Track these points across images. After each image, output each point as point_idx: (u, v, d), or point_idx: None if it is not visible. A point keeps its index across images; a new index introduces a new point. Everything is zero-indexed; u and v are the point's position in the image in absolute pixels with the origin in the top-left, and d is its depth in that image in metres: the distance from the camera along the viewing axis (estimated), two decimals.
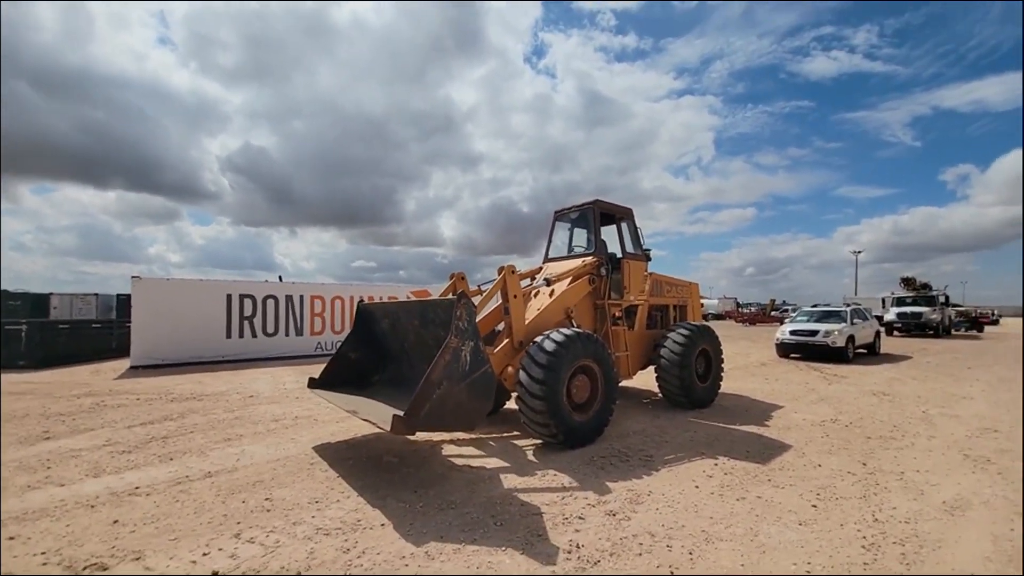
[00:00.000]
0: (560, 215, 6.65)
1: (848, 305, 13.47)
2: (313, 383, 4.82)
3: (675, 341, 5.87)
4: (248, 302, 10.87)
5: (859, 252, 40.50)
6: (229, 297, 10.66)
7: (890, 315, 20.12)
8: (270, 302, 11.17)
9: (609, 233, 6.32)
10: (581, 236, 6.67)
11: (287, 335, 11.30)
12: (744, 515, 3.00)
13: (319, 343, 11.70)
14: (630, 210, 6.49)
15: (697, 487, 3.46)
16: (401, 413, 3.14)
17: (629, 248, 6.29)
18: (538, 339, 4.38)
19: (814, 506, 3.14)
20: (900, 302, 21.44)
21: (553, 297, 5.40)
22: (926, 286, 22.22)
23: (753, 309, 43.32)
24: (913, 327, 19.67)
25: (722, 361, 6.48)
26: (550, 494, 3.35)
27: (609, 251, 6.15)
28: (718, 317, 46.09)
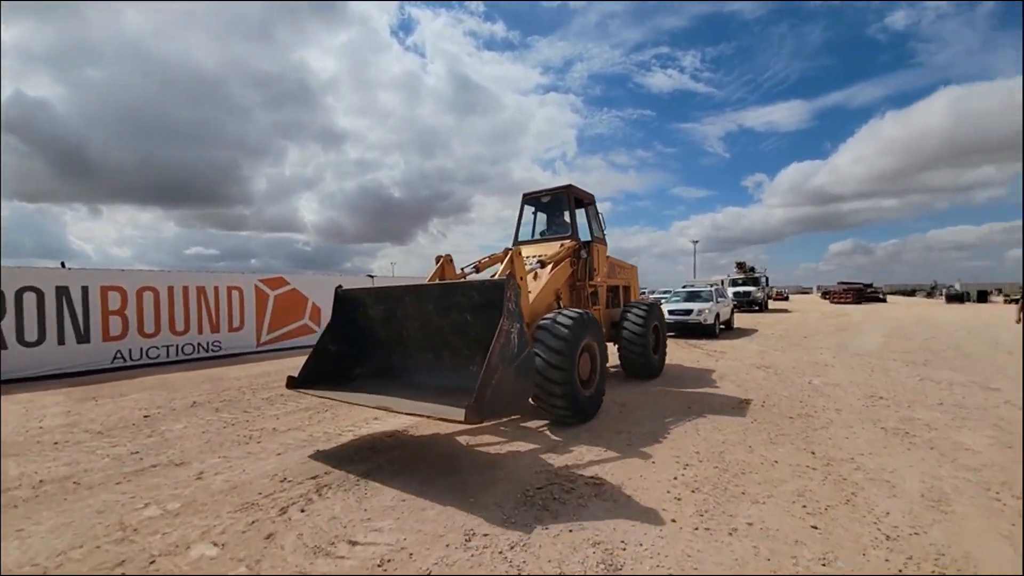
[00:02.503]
0: (530, 198, 6.73)
1: (712, 286, 14.87)
2: (293, 382, 4.14)
3: (635, 318, 6.36)
4: None
5: (696, 242, 46.78)
6: None
7: (728, 294, 23.40)
8: (29, 297, 7.65)
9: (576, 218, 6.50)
10: (546, 220, 6.88)
11: (61, 343, 7.90)
12: (753, 559, 2.24)
13: (119, 352, 8.50)
14: (593, 196, 6.78)
15: (675, 520, 2.63)
16: (453, 408, 3.05)
17: (596, 232, 6.62)
18: (546, 321, 4.42)
19: (814, 527, 2.54)
20: (734, 283, 25.13)
21: (538, 280, 5.47)
22: (752, 269, 26.46)
23: None
24: (745, 304, 23.18)
25: (666, 335, 7.27)
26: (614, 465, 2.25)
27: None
28: None
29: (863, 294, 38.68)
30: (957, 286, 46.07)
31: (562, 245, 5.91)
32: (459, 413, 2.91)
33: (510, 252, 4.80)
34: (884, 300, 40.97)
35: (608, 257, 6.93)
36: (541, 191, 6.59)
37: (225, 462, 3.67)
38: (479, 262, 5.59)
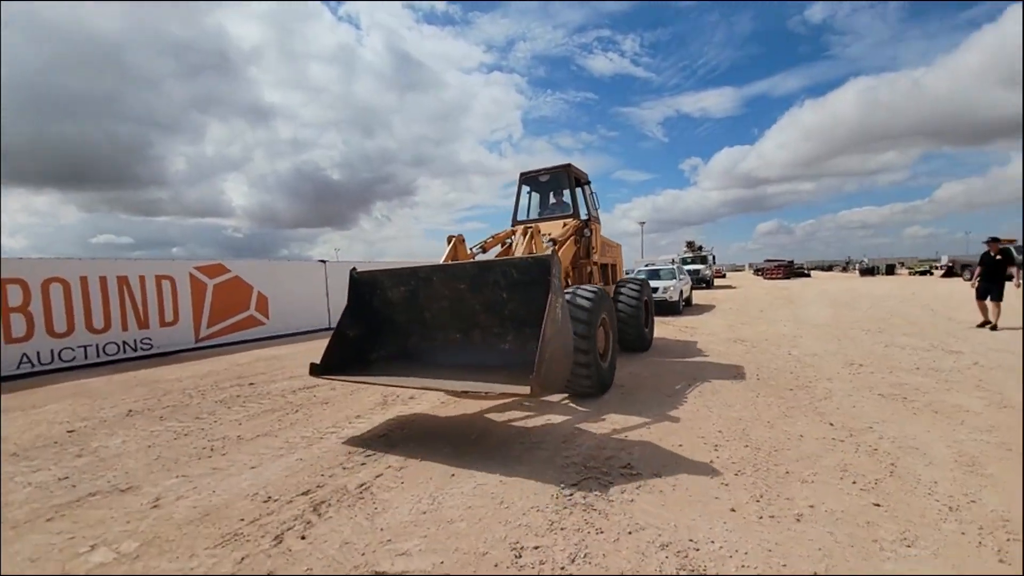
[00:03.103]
0: (528, 178, 6.85)
1: (673, 263, 15.22)
2: (316, 369, 3.99)
3: (630, 294, 6.54)
4: None
5: (643, 223, 48.29)
6: None
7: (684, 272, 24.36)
8: None
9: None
10: (540, 199, 7.08)
11: None
12: (837, 548, 2.06)
13: (25, 355, 7.14)
14: (587, 175, 7.01)
15: (734, 510, 2.42)
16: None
17: (592, 211, 6.81)
18: (568, 297, 4.39)
19: (876, 504, 2.42)
20: (684, 262, 26.17)
21: None
22: (700, 248, 27.66)
23: None
24: (695, 281, 24.19)
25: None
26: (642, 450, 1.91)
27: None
28: None
29: (791, 270, 41.95)
30: (867, 261, 51.25)
31: (565, 224, 6.02)
32: (523, 388, 2.91)
33: (530, 229, 5.01)
34: (809, 275, 44.64)
35: (600, 236, 7.26)
36: (539, 170, 6.78)
37: (186, 483, 3.03)
38: (484, 242, 5.85)
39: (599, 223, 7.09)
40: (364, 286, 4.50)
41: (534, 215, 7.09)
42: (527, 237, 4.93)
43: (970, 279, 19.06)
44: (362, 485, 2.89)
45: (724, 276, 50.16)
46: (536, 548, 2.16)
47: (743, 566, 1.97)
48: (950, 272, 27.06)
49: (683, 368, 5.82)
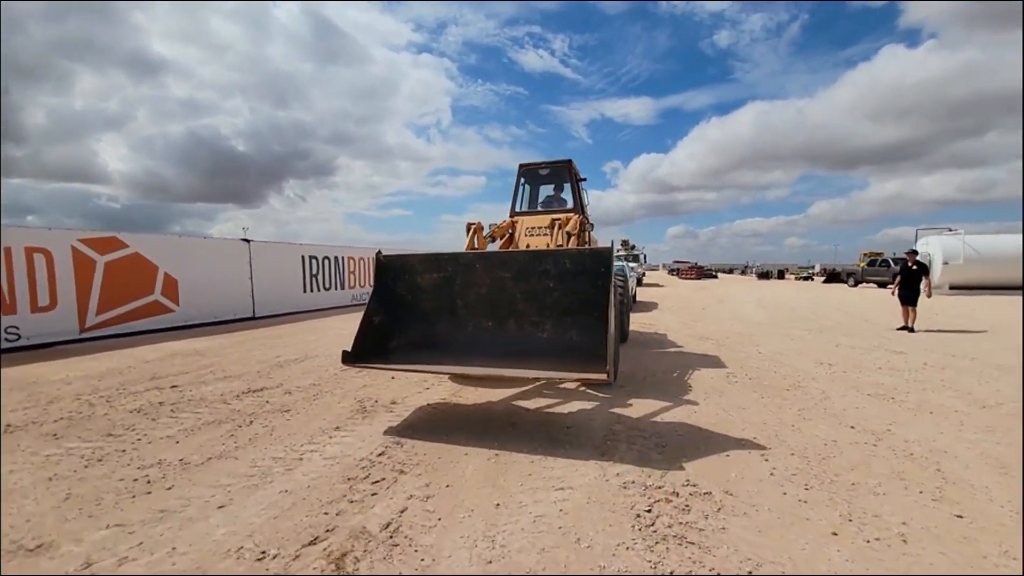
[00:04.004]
0: (527, 169, 6.89)
1: (619, 260, 15.54)
2: (348, 357, 3.65)
3: (617, 287, 6.35)
4: None
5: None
6: None
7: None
8: None
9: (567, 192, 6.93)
10: (545, 191, 7.18)
11: None
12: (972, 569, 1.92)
13: None
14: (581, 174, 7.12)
15: (835, 533, 2.20)
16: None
17: (586, 208, 6.91)
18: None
19: (959, 516, 2.35)
20: (618, 259, 27.21)
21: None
22: (634, 247, 28.96)
23: None
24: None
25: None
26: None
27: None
28: None
29: (703, 272, 45.91)
30: (760, 266, 58.08)
31: (568, 218, 5.95)
32: (599, 374, 3.01)
33: (557, 220, 5.26)
34: (716, 276, 49.19)
35: None
36: (540, 163, 6.88)
37: (125, 535, 2.17)
38: (492, 232, 5.97)
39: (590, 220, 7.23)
40: (391, 270, 4.29)
41: (526, 207, 7.02)
42: (556, 228, 5.30)
43: (854, 285, 21.71)
44: (387, 525, 2.26)
45: (645, 275, 53.74)
46: None
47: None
48: (833, 277, 31.12)
49: (668, 366, 5.74)
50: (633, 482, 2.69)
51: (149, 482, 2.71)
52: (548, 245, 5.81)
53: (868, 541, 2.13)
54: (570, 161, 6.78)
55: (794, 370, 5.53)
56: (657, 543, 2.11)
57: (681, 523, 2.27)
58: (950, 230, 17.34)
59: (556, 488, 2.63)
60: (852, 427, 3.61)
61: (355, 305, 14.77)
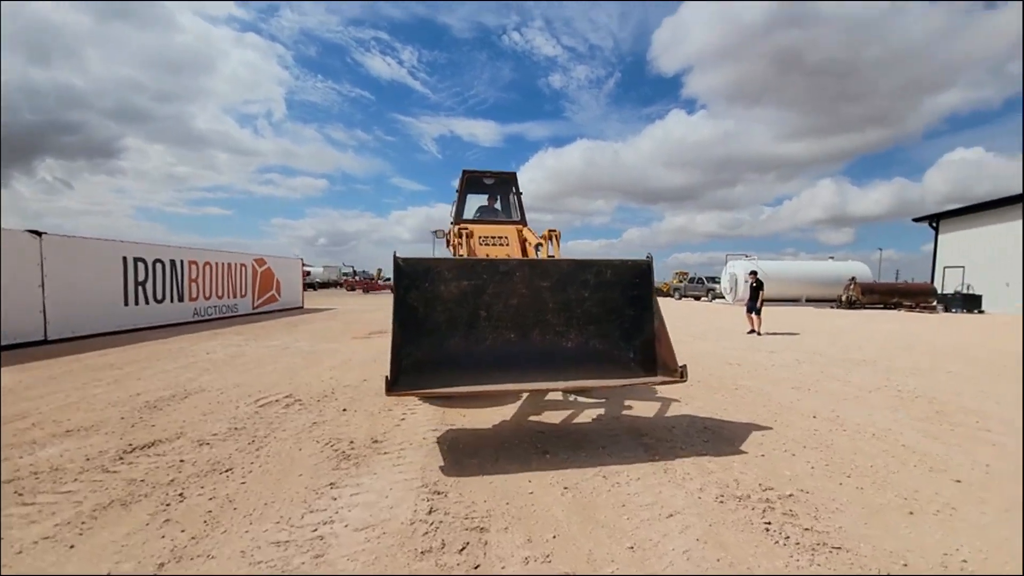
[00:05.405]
0: (473, 176, 6.87)
1: None
2: (392, 386, 2.90)
3: None
4: None
5: (436, 231, 49.48)
6: None
7: None
8: None
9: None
10: (481, 200, 7.25)
11: None
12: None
13: None
14: None
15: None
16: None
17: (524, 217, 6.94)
18: None
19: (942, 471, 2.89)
20: None
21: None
22: None
23: (359, 278, 44.69)
24: None
25: None
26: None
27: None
28: (324, 285, 44.62)
29: None
30: None
31: (518, 228, 6.06)
32: (675, 376, 3.26)
33: (552, 233, 5.16)
34: None
35: None
36: (485, 172, 6.96)
37: None
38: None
39: None
40: (412, 276, 3.67)
41: (469, 215, 6.93)
42: (554, 238, 5.21)
43: (679, 299, 26.00)
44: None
45: None
46: None
47: None
48: (658, 293, 37.33)
49: None
50: (722, 496, 2.62)
51: None
52: (508, 255, 5.56)
53: (912, 512, 2.45)
54: (514, 173, 6.98)
55: (710, 373, 6.28)
56: (815, 555, 2.06)
57: (807, 529, 2.27)
58: (747, 256, 22.62)
59: (665, 516, 2.39)
60: (814, 416, 4.22)
61: (200, 322, 11.81)
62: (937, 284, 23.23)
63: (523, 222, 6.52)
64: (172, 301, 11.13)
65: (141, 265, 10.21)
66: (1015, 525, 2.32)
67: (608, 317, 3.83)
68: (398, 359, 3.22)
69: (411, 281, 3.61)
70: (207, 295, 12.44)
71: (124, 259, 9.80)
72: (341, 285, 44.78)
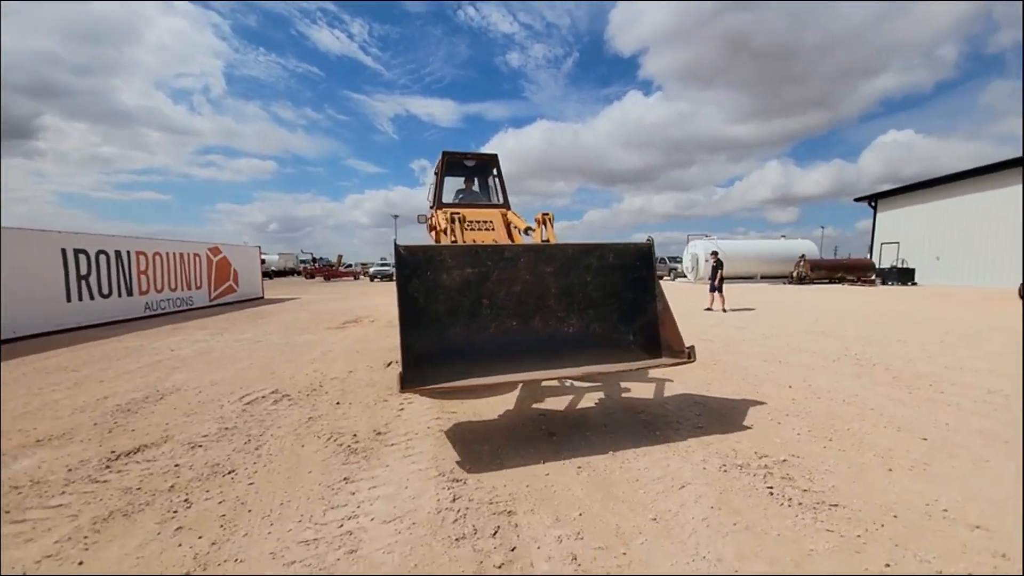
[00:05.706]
0: (453, 159, 6.74)
1: None
2: (406, 381, 2.76)
3: None
4: None
5: (397, 216, 48.61)
6: None
7: None
8: None
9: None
10: (457, 183, 7.01)
11: None
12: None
13: None
14: None
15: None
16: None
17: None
18: None
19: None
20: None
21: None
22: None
23: (319, 265, 43.05)
24: None
25: None
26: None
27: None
28: (280, 274, 42.73)
29: None
30: None
31: (504, 212, 6.01)
32: (684, 358, 3.34)
33: (546, 216, 5.05)
34: None
35: None
36: (466, 154, 6.82)
37: None
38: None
39: None
40: (414, 265, 3.53)
41: (448, 199, 6.73)
42: (549, 224, 5.04)
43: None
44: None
45: None
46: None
47: None
48: None
49: None
50: (725, 465, 2.80)
51: None
52: (495, 241, 5.52)
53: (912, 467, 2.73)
54: (495, 155, 6.79)
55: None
56: (817, 513, 2.25)
57: (805, 490, 2.48)
58: (707, 236, 23.58)
59: (678, 488, 2.53)
60: (789, 387, 4.54)
61: (153, 316, 11.07)
62: (875, 259, 25.18)
63: (506, 205, 6.42)
64: (120, 295, 10.33)
65: (83, 257, 9.38)
66: (985, 478, 2.63)
67: (608, 301, 3.90)
68: (408, 352, 3.12)
69: (412, 270, 3.51)
70: (159, 288, 11.63)
71: (63, 251, 8.96)
72: (299, 273, 43.07)
